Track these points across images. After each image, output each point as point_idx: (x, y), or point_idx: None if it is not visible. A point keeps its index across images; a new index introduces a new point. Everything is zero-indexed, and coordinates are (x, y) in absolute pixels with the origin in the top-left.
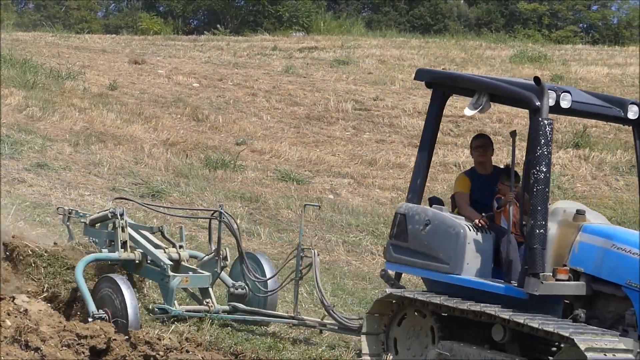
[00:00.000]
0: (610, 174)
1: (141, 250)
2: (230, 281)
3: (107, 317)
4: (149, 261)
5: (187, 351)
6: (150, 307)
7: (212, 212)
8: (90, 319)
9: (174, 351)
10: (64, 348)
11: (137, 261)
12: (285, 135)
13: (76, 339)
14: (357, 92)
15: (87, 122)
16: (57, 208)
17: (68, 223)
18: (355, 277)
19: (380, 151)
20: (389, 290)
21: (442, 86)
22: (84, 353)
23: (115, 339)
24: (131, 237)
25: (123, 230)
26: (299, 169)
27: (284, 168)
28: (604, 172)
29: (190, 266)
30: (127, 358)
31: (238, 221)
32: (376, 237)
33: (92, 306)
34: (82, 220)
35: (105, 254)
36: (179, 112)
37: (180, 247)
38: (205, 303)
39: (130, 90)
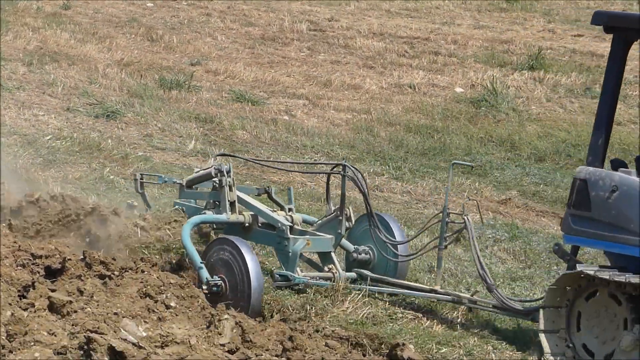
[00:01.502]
0: (565, 96)
1: (251, 212)
2: (350, 245)
3: (223, 285)
4: (260, 224)
5: (143, 271)
6: (272, 273)
7: (333, 165)
8: (204, 287)
9: (129, 271)
10: (19, 268)
11: (246, 224)
12: (240, 56)
13: (31, 258)
14: (312, 13)
15: (41, 42)
16: (134, 174)
17: (142, 191)
18: (309, 197)
19: (335, 72)
20: (580, 267)
21: (625, 31)
22: (39, 272)
23: (70, 259)
24: (239, 198)
25: (230, 190)
26: (253, 89)
27: (238, 89)
28: (559, 95)
29: (305, 229)
30: (82, 277)
31: (193, 142)
32: (331, 159)
33: (204, 273)
34: (177, 182)
35: (212, 215)
36: (133, 32)
37: (290, 210)
38: (327, 269)
39: (84, 9)
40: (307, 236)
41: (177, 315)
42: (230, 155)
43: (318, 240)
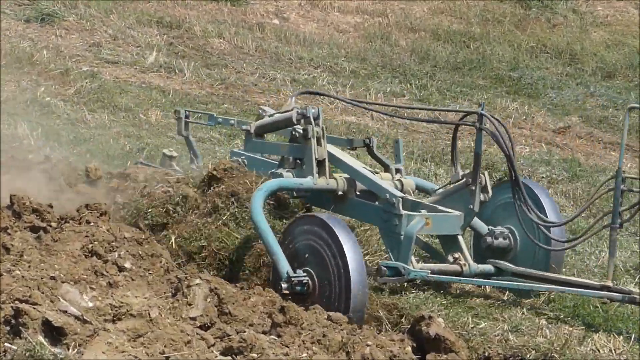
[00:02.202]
0: None
1: (346, 176)
2: (483, 226)
3: (309, 283)
4: (357, 192)
5: (88, 222)
6: (376, 265)
7: (463, 114)
8: (283, 285)
9: (71, 222)
10: None
11: (340, 192)
12: None
13: None
14: None
15: None
16: (176, 112)
17: (187, 133)
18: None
19: None
20: None
21: None
22: None
23: None
24: (330, 156)
25: (319, 143)
26: None
27: None
28: None
29: (418, 200)
30: (8, 230)
31: (154, 54)
32: (335, 75)
33: (284, 264)
34: (243, 127)
35: (292, 179)
36: None
37: (398, 171)
38: (453, 259)
39: None
40: (426, 212)
41: (133, 279)
42: (317, 94)
43: (442, 219)
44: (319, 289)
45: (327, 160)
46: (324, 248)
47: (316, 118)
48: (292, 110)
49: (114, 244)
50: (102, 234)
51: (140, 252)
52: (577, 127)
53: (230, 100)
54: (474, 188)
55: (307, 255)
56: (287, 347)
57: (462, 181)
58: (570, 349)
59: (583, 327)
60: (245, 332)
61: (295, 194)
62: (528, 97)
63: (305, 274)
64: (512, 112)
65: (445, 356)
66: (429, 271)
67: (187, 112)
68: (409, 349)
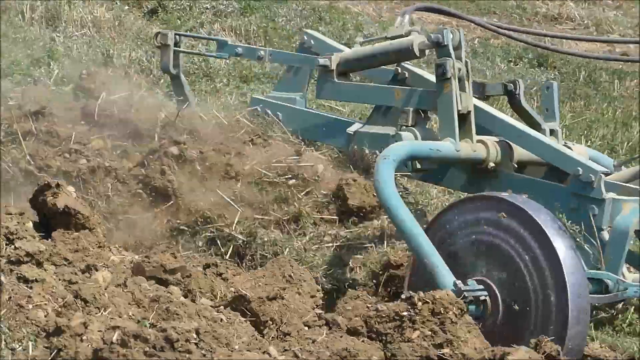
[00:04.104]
0: None
1: (497, 139)
2: None
3: (488, 301)
4: (515, 163)
5: None
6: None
7: None
8: (448, 299)
9: None
10: None
11: (490, 164)
12: None
13: None
14: None
15: None
16: (157, 35)
17: (178, 69)
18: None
19: None
20: None
21: None
22: None
23: None
24: (478, 110)
25: (463, 88)
26: None
27: None
28: None
29: (615, 181)
30: None
31: None
32: None
33: (445, 271)
34: (319, 62)
35: (426, 144)
36: None
37: (553, 132)
38: None
39: None
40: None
41: None
42: (442, 11)
43: None
44: (506, 313)
45: (472, 115)
46: (515, 250)
47: (457, 47)
48: (409, 34)
49: None
50: None
51: None
52: None
53: None
54: None
55: (478, 259)
56: None
57: None
58: None
59: None
60: None
61: (417, 167)
62: None
63: (481, 286)
64: None
65: (76, 233)
66: None
67: (177, 35)
68: (30, 224)
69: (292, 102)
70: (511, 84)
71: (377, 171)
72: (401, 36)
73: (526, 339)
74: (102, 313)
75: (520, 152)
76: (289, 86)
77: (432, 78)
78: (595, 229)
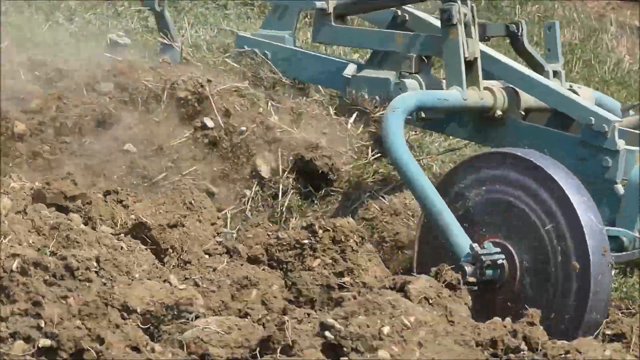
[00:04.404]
0: None
1: (503, 85)
2: None
3: (506, 269)
4: (522, 110)
5: None
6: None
7: None
8: (467, 268)
9: None
10: None
11: (498, 112)
12: None
13: None
14: None
15: None
16: None
17: (163, 5)
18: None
19: None
20: None
21: None
22: None
23: None
24: (484, 56)
25: (469, 33)
26: None
27: None
28: None
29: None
30: None
31: None
32: None
33: (461, 233)
34: (316, 4)
35: (433, 93)
36: None
37: (556, 74)
38: None
39: None
40: None
41: None
42: None
43: None
44: (521, 277)
45: (479, 62)
46: (535, 211)
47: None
48: None
49: None
50: None
51: None
52: None
53: None
54: None
55: (493, 220)
56: None
57: None
58: None
59: None
60: None
61: (422, 116)
62: None
63: (498, 250)
64: None
65: None
66: None
67: None
68: None
69: (282, 41)
70: (513, 25)
71: (386, 125)
72: None
73: (546, 304)
74: (1, 241)
75: (526, 99)
76: (277, 25)
77: (435, 22)
78: (608, 182)
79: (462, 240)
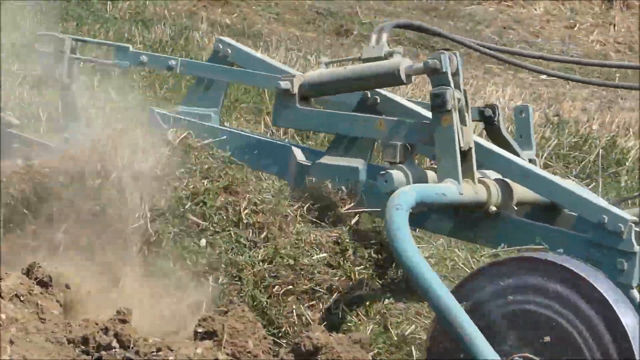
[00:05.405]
0: None
1: (495, 177)
2: None
3: None
4: (515, 205)
5: None
6: None
7: None
8: None
9: None
10: None
11: (492, 207)
12: None
13: None
14: None
15: None
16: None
17: (71, 80)
18: None
19: None
20: None
21: None
22: None
23: None
24: (480, 147)
25: (464, 122)
26: None
27: None
28: None
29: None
30: None
31: None
32: None
33: (485, 346)
34: (280, 86)
35: (433, 187)
36: None
37: (531, 163)
38: None
39: None
40: None
41: None
42: (422, 29)
43: None
44: None
45: (473, 152)
46: (569, 322)
47: (455, 74)
48: (391, 55)
49: None
50: None
51: None
52: None
53: None
54: None
55: (517, 332)
56: None
57: None
58: None
59: None
60: None
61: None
62: None
63: None
64: None
65: None
66: None
67: (74, 40)
68: None
69: (207, 120)
70: (489, 109)
71: (391, 224)
72: (380, 58)
73: None
74: None
75: (518, 191)
76: (200, 101)
77: (410, 105)
78: (625, 287)
79: (487, 353)
